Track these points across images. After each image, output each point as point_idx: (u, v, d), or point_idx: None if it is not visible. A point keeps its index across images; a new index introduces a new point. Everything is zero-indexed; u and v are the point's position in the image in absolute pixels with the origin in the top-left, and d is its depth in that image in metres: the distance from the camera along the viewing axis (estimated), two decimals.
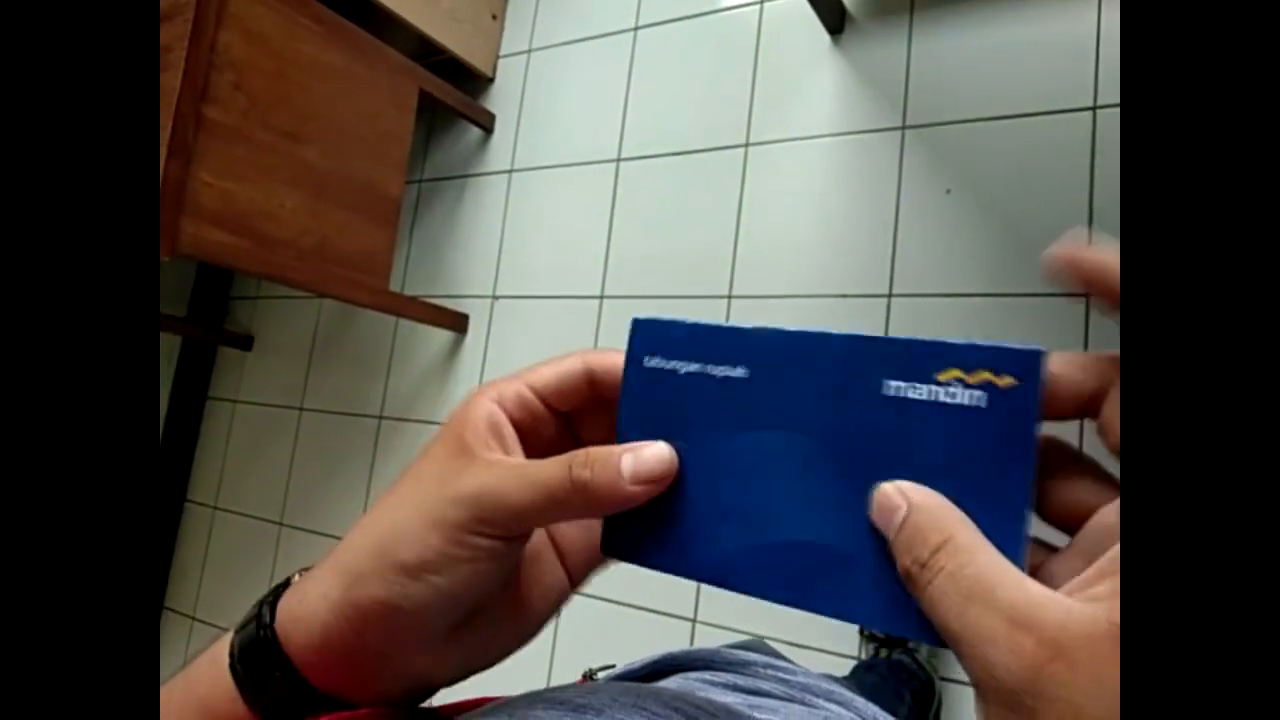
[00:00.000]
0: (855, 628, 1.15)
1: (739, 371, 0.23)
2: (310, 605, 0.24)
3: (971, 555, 0.18)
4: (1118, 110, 1.15)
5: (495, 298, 1.68)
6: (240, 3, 1.26)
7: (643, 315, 0.25)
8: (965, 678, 1.19)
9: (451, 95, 1.68)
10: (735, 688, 0.34)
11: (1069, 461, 0.21)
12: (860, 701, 0.36)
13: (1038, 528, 0.21)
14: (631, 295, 1.51)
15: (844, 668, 1.11)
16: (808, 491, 0.22)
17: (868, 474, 0.21)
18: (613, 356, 0.25)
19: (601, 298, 1.54)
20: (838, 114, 1.36)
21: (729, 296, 1.40)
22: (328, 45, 1.41)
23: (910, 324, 1.24)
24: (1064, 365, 0.20)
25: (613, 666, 0.36)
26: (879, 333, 0.22)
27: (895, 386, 0.21)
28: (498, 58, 1.82)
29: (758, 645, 0.41)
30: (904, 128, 1.29)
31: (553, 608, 0.27)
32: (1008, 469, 0.19)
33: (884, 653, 1.09)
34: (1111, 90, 1.15)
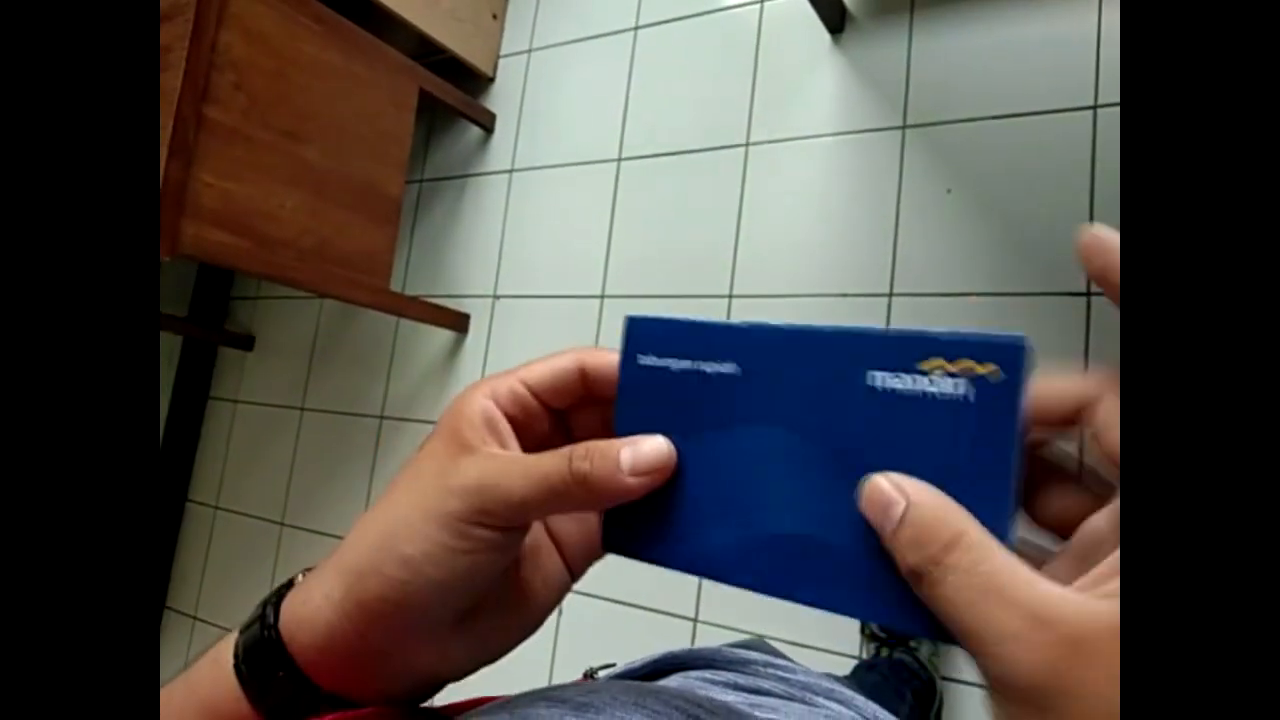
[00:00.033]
0: (856, 627, 1.15)
1: (729, 367, 0.23)
2: (314, 605, 0.24)
3: (985, 552, 0.18)
4: (1118, 110, 1.14)
5: (496, 297, 1.68)
6: (241, 2, 1.26)
7: (636, 313, 0.25)
8: (966, 677, 1.19)
9: (452, 95, 1.68)
10: (736, 686, 0.34)
11: (1056, 470, 0.22)
12: (861, 700, 0.36)
13: (1030, 535, 0.21)
14: (632, 295, 1.51)
15: (845, 667, 1.11)
16: (798, 485, 0.22)
17: (855, 466, 0.21)
18: (606, 355, 0.25)
19: (602, 297, 1.54)
20: (838, 113, 1.36)
21: (729, 296, 1.40)
22: (328, 45, 1.41)
23: (910, 323, 1.23)
24: (1048, 382, 0.20)
25: (613, 665, 0.36)
26: (869, 325, 0.22)
27: (880, 378, 0.21)
28: (498, 57, 1.82)
29: (758, 644, 0.41)
30: (904, 127, 1.29)
31: (553, 601, 0.27)
32: (993, 461, 0.19)
33: (885, 652, 1.09)
34: (1112, 90, 1.14)
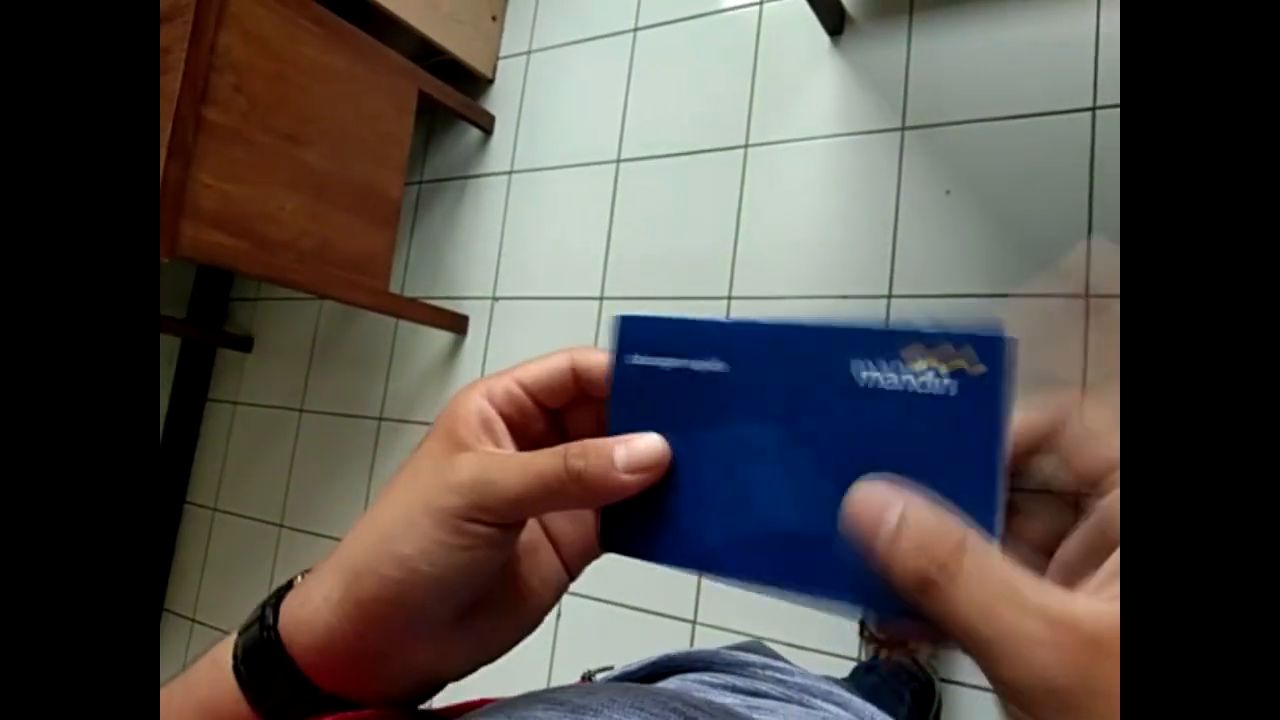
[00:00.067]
0: (854, 629, 1.15)
1: (718, 365, 0.24)
2: (312, 606, 0.24)
3: (989, 557, 0.18)
4: (1117, 111, 1.15)
5: (495, 299, 1.68)
6: (240, 4, 1.26)
7: (625, 313, 0.26)
8: (964, 679, 1.19)
9: (451, 97, 1.68)
10: (734, 689, 0.34)
11: (1029, 493, 0.22)
12: (859, 702, 0.36)
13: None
14: (631, 296, 1.51)
15: (843, 669, 1.11)
16: (789, 479, 0.22)
17: (844, 459, 0.21)
18: (597, 354, 0.26)
19: (601, 299, 1.54)
20: (837, 115, 1.36)
21: (729, 297, 1.40)
22: (328, 47, 1.41)
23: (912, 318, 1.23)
24: (1020, 417, 0.20)
25: (611, 668, 0.36)
26: (864, 319, 0.22)
27: (865, 372, 0.21)
28: (497, 59, 1.82)
29: (756, 646, 0.41)
30: (903, 128, 1.30)
31: (551, 600, 0.27)
32: (980, 453, 0.19)
33: (884, 654, 1.09)
34: (1111, 91, 1.15)
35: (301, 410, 1.93)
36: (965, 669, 1.09)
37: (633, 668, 0.36)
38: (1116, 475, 0.19)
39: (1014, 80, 1.22)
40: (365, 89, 1.49)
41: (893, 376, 0.21)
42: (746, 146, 1.44)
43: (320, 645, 0.24)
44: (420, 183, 1.86)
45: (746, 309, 1.38)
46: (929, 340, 0.20)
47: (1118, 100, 1.15)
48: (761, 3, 1.49)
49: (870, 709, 0.36)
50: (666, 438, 0.24)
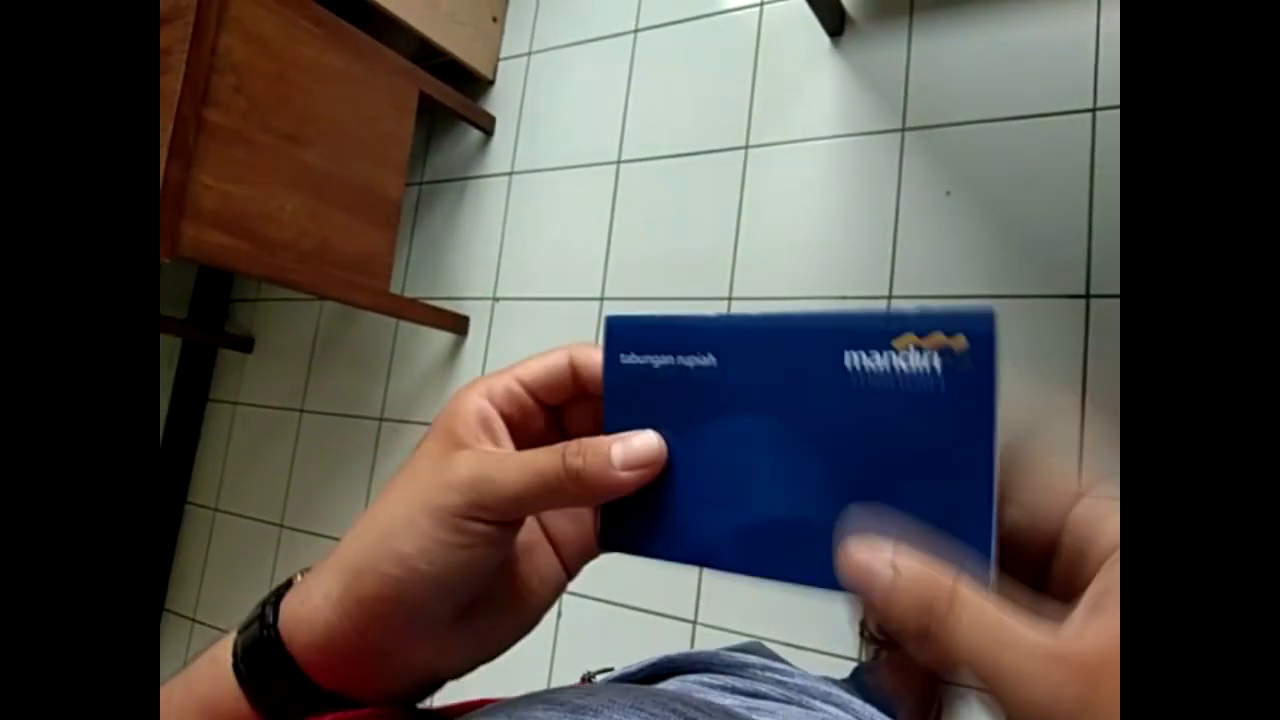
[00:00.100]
0: (854, 630, 1.15)
1: (709, 361, 0.24)
2: (312, 605, 0.24)
3: (982, 603, 0.19)
4: (1117, 112, 1.15)
5: (495, 299, 1.68)
6: (241, 5, 1.26)
7: (615, 314, 0.26)
8: (966, 679, 1.18)
9: (452, 97, 1.68)
10: (733, 690, 0.34)
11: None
12: (858, 703, 0.36)
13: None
14: (632, 297, 1.51)
15: (843, 670, 1.11)
16: (784, 470, 0.22)
17: (837, 450, 0.21)
18: (597, 351, 0.26)
19: (602, 299, 1.54)
20: (837, 116, 1.37)
21: (729, 298, 1.40)
22: (328, 48, 1.42)
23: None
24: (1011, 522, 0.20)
25: (611, 670, 0.36)
26: (851, 309, 0.22)
27: (855, 362, 0.21)
28: (498, 60, 1.82)
29: (756, 647, 0.41)
30: (904, 129, 1.30)
31: (549, 599, 0.27)
32: (973, 433, 0.20)
33: (884, 654, 1.09)
34: (1111, 92, 1.15)
35: (302, 410, 1.93)
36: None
37: (632, 669, 0.36)
38: (1085, 509, 0.20)
39: (1014, 81, 1.22)
40: (365, 89, 1.49)
41: (882, 363, 0.21)
42: (747, 147, 1.44)
43: (320, 643, 0.24)
44: (421, 183, 1.86)
45: (747, 310, 1.38)
46: (916, 325, 0.20)
47: (1118, 101, 1.15)
48: (762, 4, 1.49)
49: (870, 710, 0.36)
50: (662, 434, 0.24)
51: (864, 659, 1.13)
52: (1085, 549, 0.19)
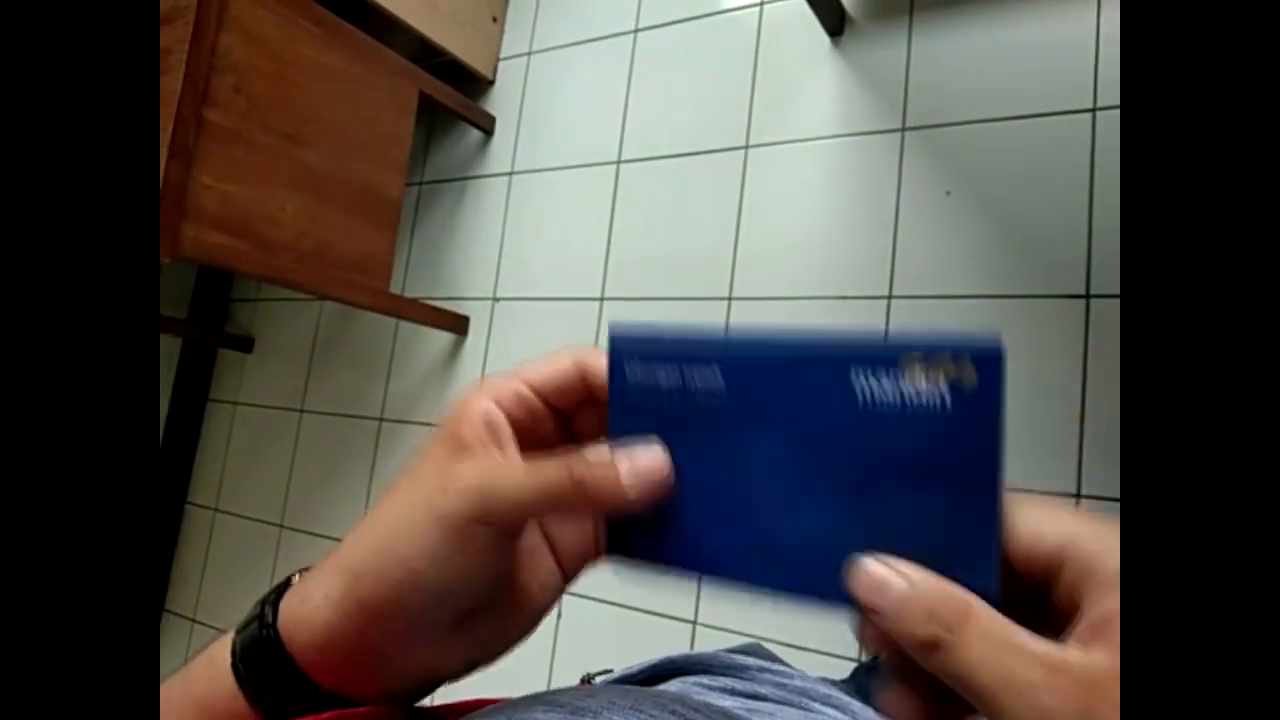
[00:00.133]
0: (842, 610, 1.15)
1: (716, 378, 0.24)
2: (313, 605, 0.24)
3: (992, 618, 0.19)
4: (1117, 112, 1.15)
5: (496, 300, 1.68)
6: (241, 5, 1.26)
7: (619, 326, 0.26)
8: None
9: (452, 98, 1.68)
10: (733, 692, 0.34)
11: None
12: (857, 705, 0.36)
13: None
14: (632, 297, 1.51)
15: (843, 670, 1.11)
16: (787, 488, 0.23)
17: (844, 472, 0.22)
18: (604, 356, 0.26)
19: (602, 299, 1.54)
20: (837, 116, 1.36)
21: (729, 298, 1.40)
22: (328, 47, 1.42)
23: (910, 326, 1.24)
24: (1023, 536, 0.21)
25: (611, 671, 0.36)
26: (859, 330, 0.22)
27: (863, 387, 0.21)
28: (498, 60, 1.82)
29: (755, 649, 0.41)
30: (904, 129, 1.30)
31: (548, 603, 0.27)
32: (977, 459, 0.20)
33: (884, 655, 1.08)
34: (1111, 92, 1.15)
35: (302, 411, 1.93)
36: None
37: (632, 670, 0.36)
38: (1078, 549, 0.20)
39: (1014, 81, 1.22)
40: (365, 89, 1.49)
41: (890, 387, 0.21)
42: (747, 147, 1.44)
43: (320, 643, 0.24)
44: (421, 183, 1.86)
45: (747, 309, 1.38)
46: (925, 351, 0.20)
47: (1118, 101, 1.15)
48: (762, 4, 1.49)
49: (869, 713, 0.36)
50: (667, 448, 0.24)
51: (864, 659, 1.12)
52: (1083, 579, 0.20)
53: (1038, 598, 0.21)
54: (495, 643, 0.26)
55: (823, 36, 1.39)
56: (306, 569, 0.26)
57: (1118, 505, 1.05)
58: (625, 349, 0.25)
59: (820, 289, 1.32)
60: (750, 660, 0.36)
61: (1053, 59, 1.19)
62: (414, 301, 1.67)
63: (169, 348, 2.14)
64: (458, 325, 1.68)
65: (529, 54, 1.78)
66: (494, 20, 1.80)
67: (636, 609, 1.36)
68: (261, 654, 0.24)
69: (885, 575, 0.20)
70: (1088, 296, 1.11)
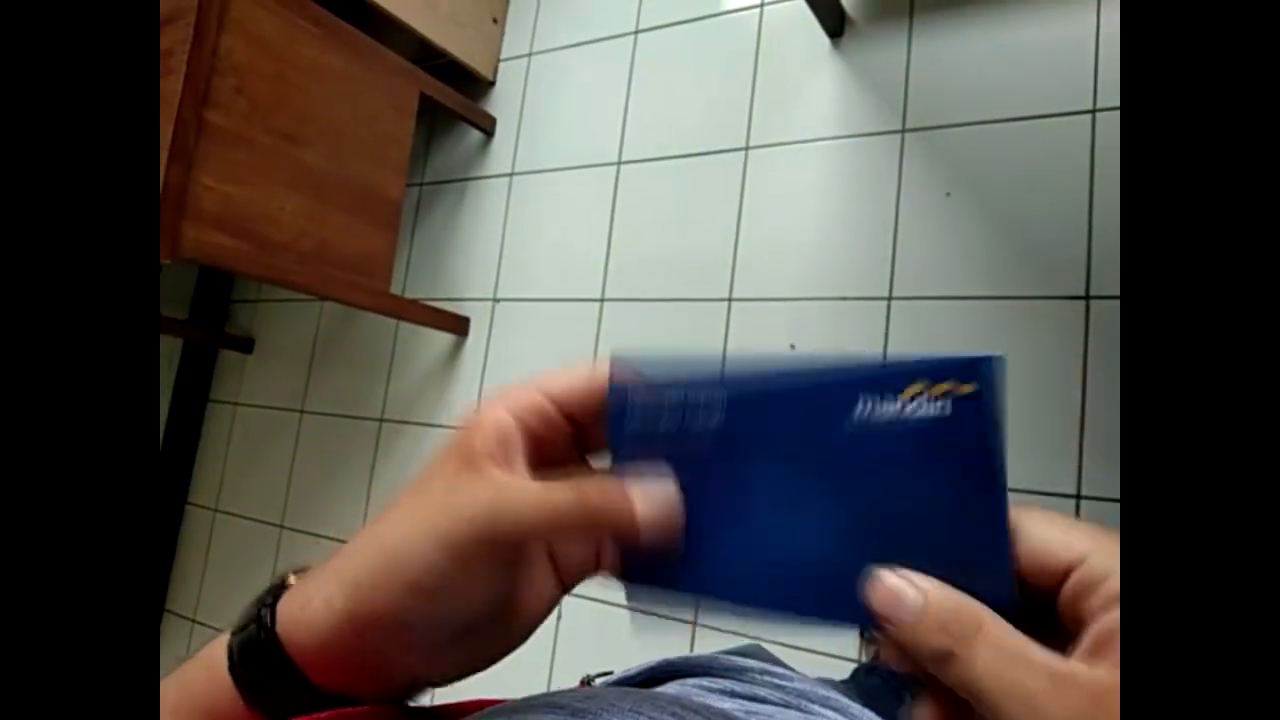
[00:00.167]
0: (854, 631, 1.15)
1: (717, 409, 0.24)
2: (314, 610, 0.24)
3: (1003, 631, 0.20)
4: (1117, 113, 1.15)
5: (496, 300, 1.68)
6: (241, 6, 1.26)
7: (619, 356, 0.26)
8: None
9: (452, 98, 1.68)
10: (732, 694, 0.34)
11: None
12: (857, 708, 0.35)
13: None
14: (632, 298, 1.51)
15: (844, 670, 1.11)
16: (796, 513, 0.23)
17: (849, 493, 0.22)
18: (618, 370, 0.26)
19: (602, 300, 1.54)
20: (837, 117, 1.37)
21: (729, 299, 1.40)
22: (328, 48, 1.42)
23: (910, 326, 1.24)
24: (1039, 539, 0.21)
25: (610, 673, 0.36)
26: (855, 355, 0.23)
27: (862, 409, 0.22)
28: (498, 61, 1.82)
29: (755, 650, 0.41)
30: (904, 131, 1.30)
31: (545, 613, 0.27)
32: (981, 475, 0.20)
33: (906, 669, 1.08)
34: (1111, 93, 1.15)
35: (302, 411, 1.93)
36: None
37: (632, 672, 0.36)
38: (1089, 565, 0.20)
39: (1014, 83, 1.22)
40: (364, 90, 1.49)
41: (891, 408, 0.21)
42: (747, 149, 1.44)
43: (320, 646, 0.24)
44: (421, 184, 1.86)
45: (747, 310, 1.38)
46: (922, 371, 0.21)
47: (1118, 103, 1.15)
48: (762, 5, 1.49)
49: (868, 715, 0.36)
50: (675, 475, 0.25)
51: (864, 660, 1.12)
52: (1089, 592, 0.20)
53: (1044, 609, 0.21)
54: (490, 651, 0.26)
55: (823, 38, 1.39)
56: (300, 569, 0.26)
57: (1118, 505, 1.05)
58: (625, 378, 0.26)
59: (820, 290, 1.32)
60: (750, 662, 0.36)
61: (1053, 60, 1.19)
62: (414, 302, 1.67)
63: (170, 348, 2.14)
64: (458, 326, 1.68)
65: (529, 55, 1.78)
66: (494, 21, 1.80)
67: (637, 610, 1.35)
68: (260, 655, 0.24)
69: (901, 588, 0.21)
70: (1088, 297, 1.11)
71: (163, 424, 2.08)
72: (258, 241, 1.31)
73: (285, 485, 1.91)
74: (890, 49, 1.33)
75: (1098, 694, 0.18)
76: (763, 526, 0.24)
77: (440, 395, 1.71)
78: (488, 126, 1.77)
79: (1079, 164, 1.14)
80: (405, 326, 1.79)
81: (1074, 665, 0.19)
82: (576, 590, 0.28)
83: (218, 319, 2.13)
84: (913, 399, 0.21)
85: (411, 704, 0.27)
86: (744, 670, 0.36)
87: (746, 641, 0.47)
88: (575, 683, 0.34)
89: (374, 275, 1.52)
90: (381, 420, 1.79)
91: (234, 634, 0.25)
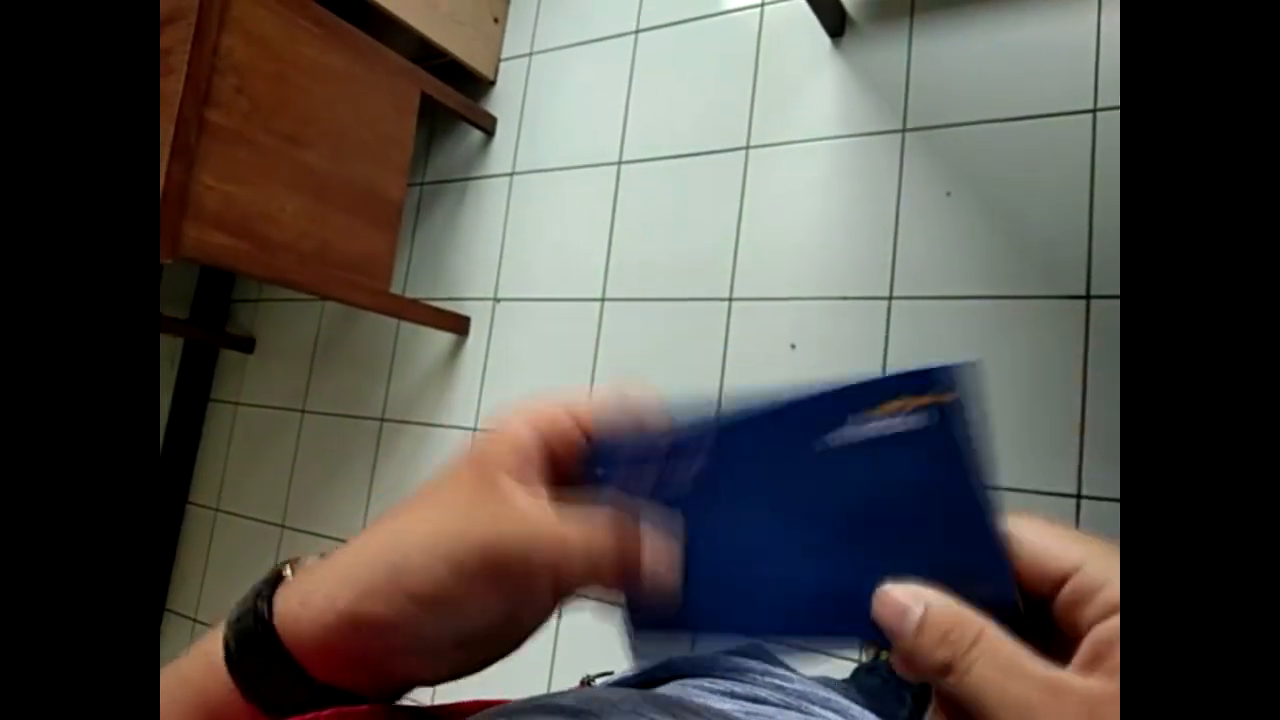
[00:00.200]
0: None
1: (699, 457, 0.25)
2: (314, 607, 0.24)
3: (1001, 642, 0.20)
4: (1118, 113, 1.14)
5: (497, 300, 1.68)
6: (242, 6, 1.26)
7: (600, 422, 0.26)
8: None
9: (453, 98, 1.68)
10: (732, 695, 0.34)
11: None
12: (857, 709, 0.35)
13: None
14: (632, 298, 1.51)
15: (844, 670, 1.11)
16: (794, 543, 0.23)
17: (842, 516, 0.23)
18: (647, 392, 0.27)
19: (603, 300, 1.54)
20: (838, 117, 1.36)
21: (729, 299, 1.40)
22: (328, 48, 1.42)
23: (910, 326, 1.24)
24: (1035, 543, 0.21)
25: (611, 674, 0.36)
26: (829, 380, 0.23)
27: (844, 432, 0.22)
28: (499, 61, 1.82)
29: (755, 650, 0.41)
30: (904, 130, 1.29)
31: (542, 623, 0.27)
32: (970, 478, 0.21)
33: (884, 655, 1.08)
34: (1111, 93, 1.14)
35: (303, 411, 1.94)
36: None
37: (631, 673, 0.36)
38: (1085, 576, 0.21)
39: (1015, 82, 1.22)
40: (365, 90, 1.49)
41: (874, 426, 0.22)
42: (748, 148, 1.44)
43: (319, 641, 0.24)
44: (422, 184, 1.86)
45: (747, 310, 1.38)
46: (893, 383, 0.21)
47: (1118, 102, 1.15)
48: (763, 5, 1.49)
49: (868, 716, 0.36)
50: (672, 514, 0.25)
51: (865, 659, 1.12)
52: (1086, 602, 0.20)
53: (1041, 617, 0.21)
54: (488, 655, 0.26)
55: (823, 38, 1.39)
56: (294, 560, 0.26)
57: (1118, 505, 1.04)
58: (609, 453, 0.26)
59: (821, 290, 1.32)
60: (750, 663, 0.36)
61: (1053, 60, 1.19)
62: (415, 302, 1.67)
63: (170, 348, 2.14)
64: (459, 326, 1.68)
65: (530, 55, 1.78)
66: (495, 21, 1.80)
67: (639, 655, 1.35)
68: (258, 647, 0.25)
69: (903, 601, 0.21)
70: (1088, 297, 1.11)
71: (164, 424, 2.08)
72: (259, 241, 1.31)
73: (286, 485, 1.91)
74: (891, 49, 1.33)
75: (1094, 704, 0.18)
76: (762, 555, 0.24)
77: (441, 395, 1.71)
78: (488, 126, 1.77)
79: (1079, 164, 1.14)
80: (406, 326, 1.79)
81: (1070, 675, 0.19)
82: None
83: (219, 318, 2.14)
84: (895, 413, 0.21)
85: (411, 703, 0.27)
86: (744, 671, 0.36)
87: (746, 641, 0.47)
88: (575, 683, 0.34)
89: (375, 275, 1.52)
90: (382, 420, 1.79)
91: (230, 625, 0.25)
